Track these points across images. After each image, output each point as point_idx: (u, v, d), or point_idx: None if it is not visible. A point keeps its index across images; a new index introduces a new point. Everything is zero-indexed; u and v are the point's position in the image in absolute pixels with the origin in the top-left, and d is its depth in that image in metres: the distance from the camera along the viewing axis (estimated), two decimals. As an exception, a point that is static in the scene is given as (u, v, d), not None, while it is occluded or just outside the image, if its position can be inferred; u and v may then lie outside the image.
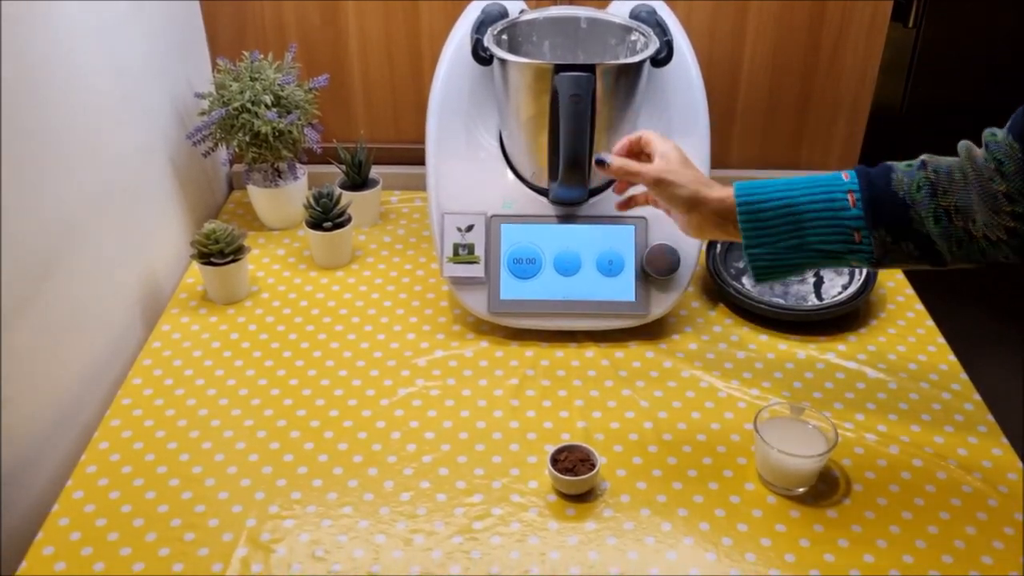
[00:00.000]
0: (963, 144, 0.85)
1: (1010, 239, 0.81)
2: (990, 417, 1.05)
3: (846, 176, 0.86)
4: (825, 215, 0.86)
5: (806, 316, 1.18)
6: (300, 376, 1.11)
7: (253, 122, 1.27)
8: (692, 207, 0.92)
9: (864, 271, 1.22)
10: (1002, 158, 0.80)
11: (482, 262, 1.15)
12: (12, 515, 0.91)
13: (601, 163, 0.96)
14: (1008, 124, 0.82)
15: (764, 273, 0.90)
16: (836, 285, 1.22)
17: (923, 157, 0.87)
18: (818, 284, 1.22)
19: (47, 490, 0.97)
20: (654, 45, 1.10)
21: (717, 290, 1.24)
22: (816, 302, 1.20)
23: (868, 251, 0.85)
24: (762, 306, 1.18)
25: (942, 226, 0.83)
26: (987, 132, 0.84)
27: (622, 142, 0.99)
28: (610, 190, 1.17)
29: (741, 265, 1.26)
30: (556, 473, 0.94)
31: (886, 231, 0.84)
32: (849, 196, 0.85)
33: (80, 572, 0.87)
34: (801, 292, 1.21)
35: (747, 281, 1.23)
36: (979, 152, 0.83)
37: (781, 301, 1.20)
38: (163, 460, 0.99)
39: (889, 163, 0.87)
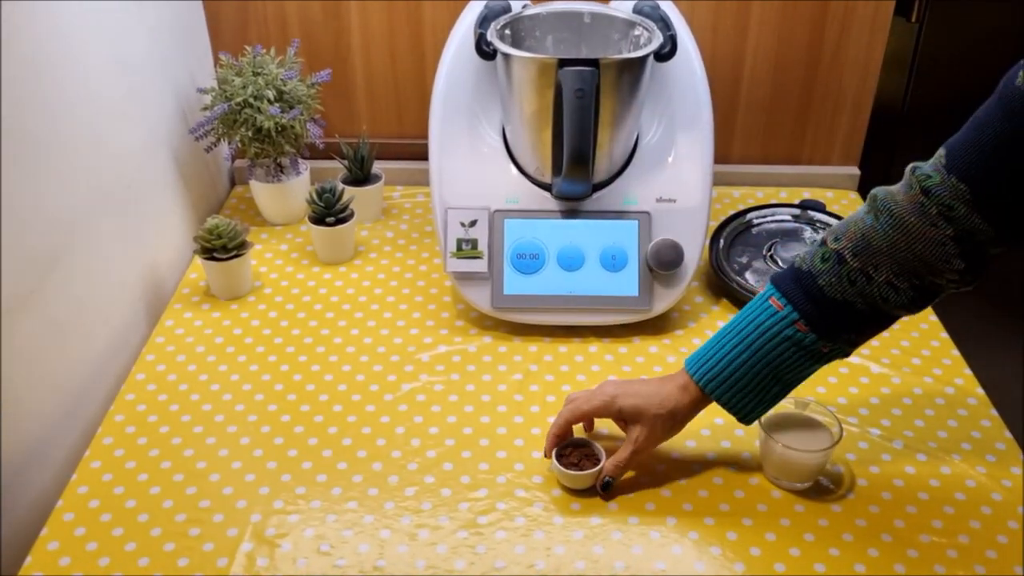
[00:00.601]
0: (883, 201, 0.82)
1: (958, 262, 0.79)
2: (994, 412, 1.05)
3: (779, 306, 0.85)
4: (791, 352, 0.86)
5: None
6: (303, 371, 1.11)
7: (256, 117, 1.27)
8: (674, 426, 0.94)
9: None
10: (949, 202, 0.77)
11: (485, 257, 1.15)
12: (16, 510, 0.92)
13: (607, 487, 0.94)
14: (943, 164, 0.78)
15: (752, 420, 0.92)
16: None
17: (826, 238, 0.85)
18: None
19: (51, 485, 0.97)
20: (657, 40, 1.10)
21: (721, 285, 1.24)
22: None
23: (840, 352, 0.87)
24: None
25: (891, 298, 0.82)
26: (918, 175, 0.79)
27: (553, 440, 0.96)
28: (613, 185, 1.17)
29: (744, 260, 1.26)
30: (561, 468, 0.94)
31: (842, 333, 0.85)
32: (798, 326, 0.85)
33: (85, 567, 0.87)
34: None
35: (750, 276, 1.23)
36: (903, 203, 0.80)
37: None
38: (167, 455, 0.99)
39: (807, 267, 0.85)
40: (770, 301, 0.87)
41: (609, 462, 0.94)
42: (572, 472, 0.93)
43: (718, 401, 0.90)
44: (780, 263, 1.24)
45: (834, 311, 0.84)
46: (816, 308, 0.84)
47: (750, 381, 0.88)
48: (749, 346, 0.87)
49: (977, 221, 0.77)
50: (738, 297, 1.21)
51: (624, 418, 0.95)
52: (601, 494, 0.94)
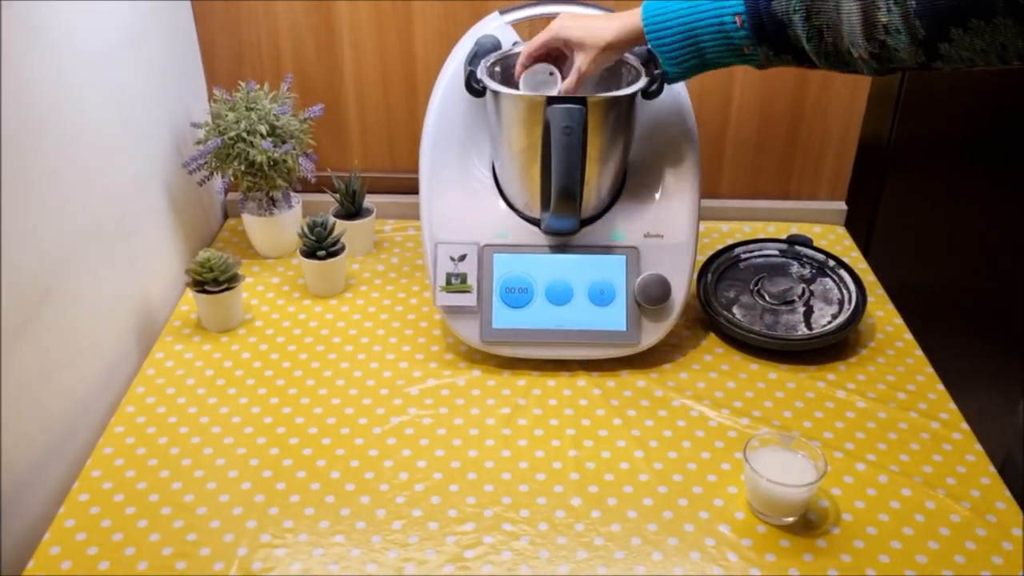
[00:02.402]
0: None
1: (872, 60, 0.88)
2: (978, 447, 1.06)
3: (738, 21, 0.96)
4: (719, 37, 0.97)
5: (796, 345, 1.19)
6: (293, 404, 1.12)
7: (248, 151, 1.28)
8: (610, 56, 1.07)
9: (853, 302, 1.23)
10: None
11: (475, 291, 1.16)
12: (3, 542, 0.91)
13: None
14: None
15: (675, 80, 1.05)
16: (826, 315, 1.23)
17: None
18: (808, 314, 1.24)
19: (40, 517, 0.97)
20: (645, 78, 1.12)
21: (708, 319, 1.25)
22: (806, 332, 1.21)
23: (755, 60, 0.98)
24: (752, 335, 1.19)
25: (813, 44, 0.91)
26: None
27: (531, 51, 1.09)
28: (601, 220, 1.18)
29: (732, 295, 1.27)
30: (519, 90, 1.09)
31: (768, 46, 0.95)
32: (737, 19, 0.95)
33: (71, 601, 0.87)
34: (791, 322, 1.23)
35: (738, 311, 1.24)
36: None
37: (771, 331, 1.21)
38: (155, 488, 0.99)
39: None
40: (734, 19, 0.96)
41: (562, 85, 1.07)
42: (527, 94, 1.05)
43: (650, 44, 1.01)
44: (767, 298, 1.25)
45: (769, 22, 0.93)
46: (758, 12, 0.93)
47: (680, 43, 0.99)
48: (694, 13, 0.98)
49: (908, 23, 0.83)
50: (725, 331, 1.22)
51: (570, 47, 1.06)
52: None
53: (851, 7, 0.86)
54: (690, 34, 0.98)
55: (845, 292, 1.26)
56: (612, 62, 1.09)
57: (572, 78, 1.06)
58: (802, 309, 1.25)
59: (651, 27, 1.00)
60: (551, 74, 1.10)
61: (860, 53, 0.88)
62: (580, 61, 1.05)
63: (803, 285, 1.28)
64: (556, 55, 1.11)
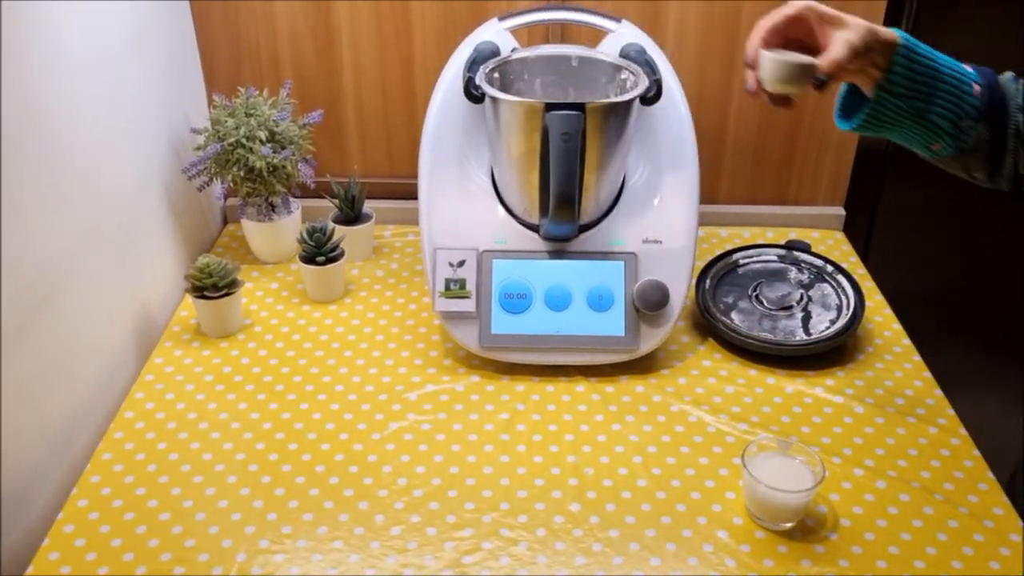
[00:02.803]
0: None
1: None
2: (976, 452, 1.06)
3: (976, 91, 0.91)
4: (954, 92, 0.90)
5: (794, 351, 1.20)
6: (292, 410, 1.12)
7: (248, 157, 1.28)
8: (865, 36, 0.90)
9: (851, 307, 1.23)
10: None
11: (473, 297, 1.16)
12: (4, 547, 0.92)
13: (823, 85, 0.91)
14: None
15: (872, 122, 0.93)
16: (824, 320, 1.23)
17: None
18: (806, 319, 1.24)
19: (38, 523, 0.97)
20: (643, 84, 1.12)
21: (706, 325, 1.25)
22: (804, 337, 1.21)
23: (967, 139, 0.91)
24: (751, 341, 1.20)
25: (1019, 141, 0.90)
26: None
27: (761, 32, 0.93)
28: (600, 226, 1.18)
29: (730, 300, 1.27)
30: (771, 54, 0.88)
31: (985, 126, 0.91)
32: (974, 85, 0.91)
33: (70, 607, 0.87)
34: (789, 327, 1.23)
35: (736, 316, 1.25)
36: None
37: (770, 336, 1.21)
38: (154, 494, 0.99)
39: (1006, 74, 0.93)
40: (968, 67, 0.92)
41: (824, 58, 0.89)
42: (783, 58, 0.87)
43: (897, 55, 0.89)
44: (765, 303, 1.26)
45: (999, 102, 0.91)
46: (992, 89, 0.91)
47: (922, 72, 0.90)
48: (942, 61, 0.91)
49: None
50: (724, 337, 1.22)
51: (827, 21, 0.90)
52: (817, 90, 0.90)
53: None
54: (934, 74, 0.90)
55: (843, 298, 1.26)
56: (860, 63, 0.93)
57: (841, 49, 0.89)
58: (800, 315, 1.25)
59: (907, 46, 0.90)
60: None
61: None
62: (848, 34, 0.89)
63: (801, 290, 1.28)
64: (796, 35, 0.94)
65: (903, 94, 0.91)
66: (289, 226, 1.39)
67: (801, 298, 1.27)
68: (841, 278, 1.29)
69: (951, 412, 1.12)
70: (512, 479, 1.02)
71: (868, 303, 1.29)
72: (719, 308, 1.26)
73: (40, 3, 0.97)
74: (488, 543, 0.94)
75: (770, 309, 1.25)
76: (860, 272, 1.41)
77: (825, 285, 1.29)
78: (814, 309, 1.25)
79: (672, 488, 1.01)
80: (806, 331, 1.22)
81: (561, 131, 1.05)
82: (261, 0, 1.38)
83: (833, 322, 1.23)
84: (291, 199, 1.42)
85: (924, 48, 0.92)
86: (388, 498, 0.99)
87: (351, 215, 1.40)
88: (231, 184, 1.32)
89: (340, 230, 1.34)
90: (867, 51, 0.89)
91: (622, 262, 1.17)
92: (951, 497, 1.00)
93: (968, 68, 0.92)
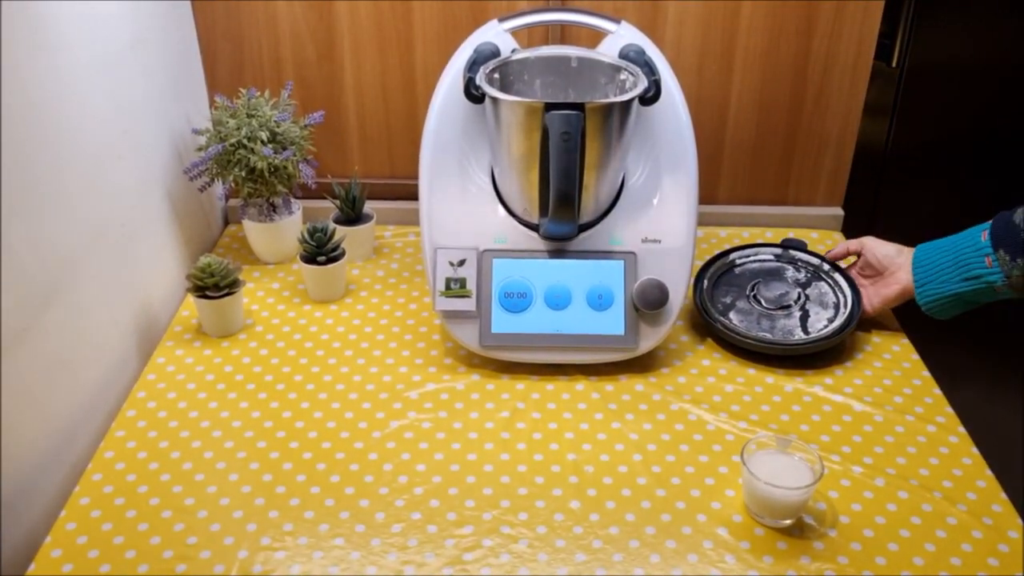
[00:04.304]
0: None
1: None
2: (974, 449, 1.06)
3: (984, 236, 1.12)
4: (967, 252, 1.14)
5: (792, 350, 1.20)
6: (293, 408, 1.12)
7: (249, 158, 1.29)
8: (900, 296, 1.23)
9: (848, 306, 1.24)
10: None
11: (474, 296, 1.17)
12: (5, 546, 0.92)
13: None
14: None
15: (933, 310, 1.19)
16: (822, 319, 1.24)
17: None
18: (804, 318, 1.24)
19: (41, 521, 0.98)
20: (643, 84, 1.13)
21: (705, 325, 1.26)
22: (802, 336, 1.22)
23: (997, 271, 1.10)
24: (749, 340, 1.20)
25: None
26: None
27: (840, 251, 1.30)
28: (599, 225, 1.19)
29: (728, 300, 1.28)
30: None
31: (1004, 251, 1.08)
32: (988, 259, 1.11)
33: (72, 603, 0.87)
34: (787, 326, 1.23)
35: (734, 316, 1.25)
36: None
37: (768, 335, 1.22)
38: (156, 492, 1.00)
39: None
40: (985, 260, 1.11)
41: (866, 307, 1.25)
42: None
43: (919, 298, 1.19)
44: (763, 303, 1.26)
45: (1009, 231, 1.09)
46: (998, 226, 1.11)
47: (940, 264, 1.17)
48: (958, 280, 1.15)
49: None
50: (722, 336, 1.22)
51: (874, 266, 1.25)
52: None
53: None
54: (954, 298, 1.15)
55: (840, 296, 1.27)
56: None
57: (878, 303, 1.24)
58: (798, 313, 1.25)
59: (923, 297, 1.18)
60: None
61: None
62: (887, 292, 1.23)
63: (799, 289, 1.28)
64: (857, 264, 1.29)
65: (933, 292, 1.17)
66: (290, 226, 1.40)
67: (799, 297, 1.27)
68: (837, 276, 1.29)
69: (949, 410, 1.13)
70: (512, 477, 1.02)
71: (867, 302, 1.29)
72: (717, 308, 1.26)
73: (42, 5, 0.98)
74: (488, 540, 0.94)
75: (768, 308, 1.26)
76: (859, 272, 1.41)
77: (822, 284, 1.30)
78: (812, 308, 1.26)
79: (672, 485, 1.01)
80: (804, 330, 1.23)
81: (561, 131, 1.06)
82: (263, 1, 1.39)
83: (831, 320, 1.23)
84: (292, 200, 1.42)
85: (934, 247, 1.19)
86: (389, 496, 1.00)
87: (352, 215, 1.41)
88: (232, 185, 1.33)
89: (341, 230, 1.35)
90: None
91: (622, 261, 1.18)
92: (950, 494, 1.00)
93: (981, 237, 1.12)
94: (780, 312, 1.25)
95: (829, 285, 1.29)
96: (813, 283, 1.30)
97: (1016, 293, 1.10)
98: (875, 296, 1.24)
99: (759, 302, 1.27)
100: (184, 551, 0.92)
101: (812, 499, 0.98)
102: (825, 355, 1.21)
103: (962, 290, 1.14)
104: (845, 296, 1.26)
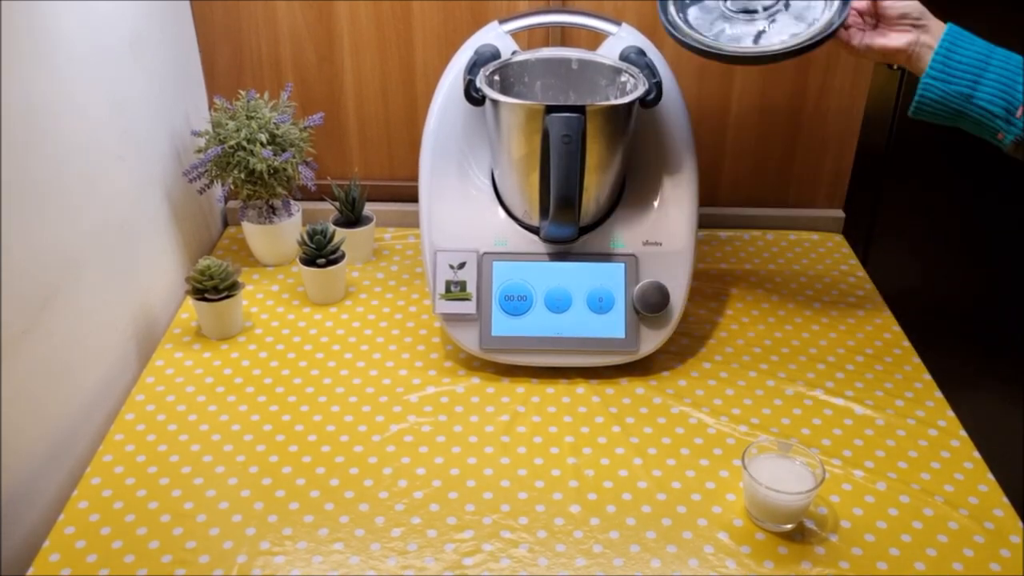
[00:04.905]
0: None
1: None
2: (976, 454, 1.06)
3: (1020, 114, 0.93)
4: (1005, 79, 0.94)
5: (726, 58, 1.07)
6: (293, 412, 1.12)
7: (248, 160, 1.29)
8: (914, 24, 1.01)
9: (821, 25, 1.07)
10: None
11: (474, 299, 1.16)
12: (3, 549, 0.92)
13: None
14: None
15: (924, 108, 1.00)
16: (784, 33, 1.07)
17: None
18: (763, 33, 1.09)
19: (39, 524, 0.97)
20: (643, 86, 1.12)
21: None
22: (746, 47, 1.07)
23: (1019, 130, 0.93)
24: (679, 38, 1.08)
25: None
26: None
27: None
28: (600, 228, 1.19)
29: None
30: None
31: None
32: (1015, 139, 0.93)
33: (70, 608, 0.87)
34: (739, 35, 1.09)
35: (694, 12, 1.11)
36: None
37: (703, 38, 1.08)
38: (155, 496, 0.99)
39: None
40: (1018, 110, 0.93)
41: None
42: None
43: (942, 42, 0.97)
44: (730, 4, 1.11)
45: None
46: None
47: (966, 58, 0.96)
48: (994, 51, 0.96)
49: None
50: (668, 33, 1.09)
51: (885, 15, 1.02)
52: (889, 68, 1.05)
53: None
54: (982, 62, 0.96)
55: (827, 15, 1.06)
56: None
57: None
58: (763, 24, 1.09)
59: (953, 34, 0.97)
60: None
61: None
62: (889, 42, 1.01)
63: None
64: None
65: (945, 79, 0.97)
66: (290, 228, 1.40)
67: (774, 4, 1.10)
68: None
69: (951, 414, 1.12)
70: (512, 481, 1.02)
71: (868, 305, 1.29)
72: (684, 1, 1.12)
73: (41, 6, 0.97)
74: (489, 545, 0.94)
75: (732, 11, 1.10)
76: (859, 274, 1.41)
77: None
78: (782, 19, 1.09)
79: (672, 490, 1.01)
80: (755, 40, 1.07)
81: (561, 133, 1.05)
82: (262, 2, 1.39)
83: (795, 36, 1.06)
84: (292, 202, 1.42)
85: (971, 39, 0.96)
86: (388, 500, 0.99)
87: (351, 218, 1.40)
88: (232, 187, 1.32)
89: (340, 232, 1.34)
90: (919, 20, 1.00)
91: (622, 264, 1.17)
92: (951, 499, 1.00)
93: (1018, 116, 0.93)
94: (743, 16, 1.09)
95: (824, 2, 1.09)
96: None
97: (1012, 152, 0.97)
98: (873, 37, 1.03)
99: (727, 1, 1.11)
100: (183, 555, 0.92)
101: (813, 504, 0.97)
102: (824, 356, 1.21)
103: (969, 111, 0.97)
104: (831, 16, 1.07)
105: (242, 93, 1.34)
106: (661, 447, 1.07)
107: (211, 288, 1.21)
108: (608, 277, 1.17)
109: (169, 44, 1.33)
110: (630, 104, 1.11)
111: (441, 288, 1.17)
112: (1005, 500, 1.00)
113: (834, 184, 1.52)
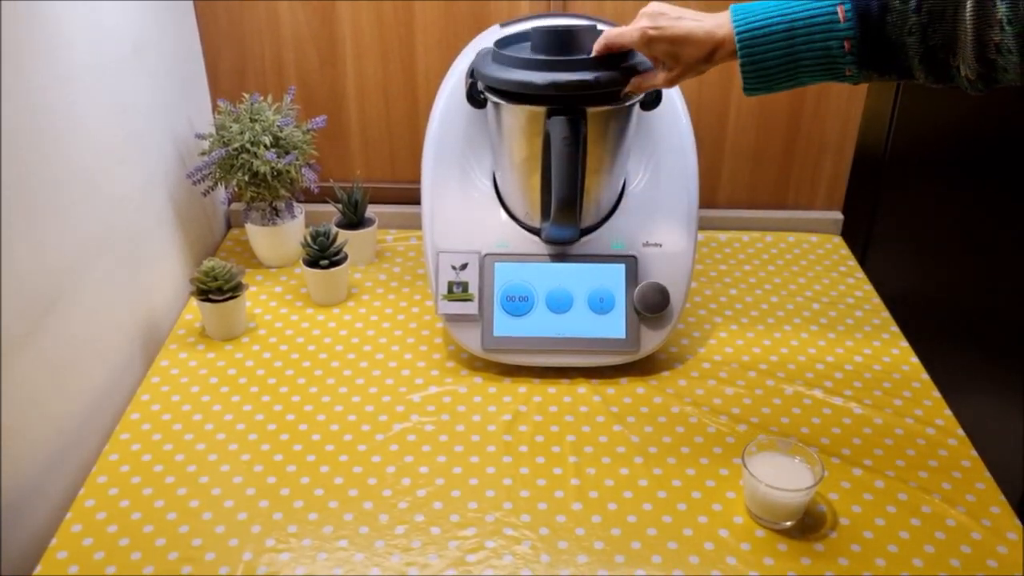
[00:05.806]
0: None
1: (978, 80, 0.83)
2: (973, 452, 1.07)
3: (843, 18, 0.86)
4: (821, 60, 0.88)
5: None
6: (296, 411, 1.13)
7: (252, 162, 1.30)
8: (684, 57, 0.96)
9: None
10: (1009, 15, 0.78)
11: (476, 300, 1.17)
12: (10, 549, 0.93)
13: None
14: None
15: (753, 92, 0.94)
16: None
17: None
18: None
19: (46, 523, 0.98)
20: (643, 89, 1.13)
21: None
22: None
23: (852, 80, 0.89)
24: None
25: (924, 64, 0.85)
26: None
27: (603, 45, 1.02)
28: (601, 230, 1.20)
29: None
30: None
31: (873, 69, 0.87)
32: (846, 44, 0.86)
33: (78, 605, 0.88)
34: None
35: None
36: None
37: None
38: (161, 494, 1.00)
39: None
40: (837, 8, 0.86)
41: (637, 80, 1.02)
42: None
43: (742, 59, 0.90)
44: None
45: (881, 46, 0.85)
46: (868, 34, 0.85)
47: (774, 61, 0.89)
48: (791, 31, 0.88)
49: (1020, 42, 0.78)
50: None
51: (660, 59, 0.98)
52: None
53: (966, 27, 0.80)
54: (789, 55, 0.89)
55: None
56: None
57: (656, 80, 1.01)
58: None
59: (745, 41, 0.90)
60: None
61: (967, 72, 0.83)
62: (673, 76, 0.98)
63: None
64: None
65: (765, 79, 0.91)
66: (293, 230, 1.41)
67: None
68: None
69: (948, 413, 1.13)
70: (515, 479, 1.03)
71: (866, 306, 1.30)
72: None
73: (44, 8, 0.98)
74: (491, 542, 0.95)
75: None
76: (858, 276, 1.42)
77: None
78: None
79: (673, 488, 1.02)
80: None
81: (563, 135, 1.06)
82: (265, 2, 1.40)
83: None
84: (295, 204, 1.43)
85: (768, 26, 0.89)
86: (392, 498, 1.00)
87: (354, 219, 1.41)
88: (235, 189, 1.33)
89: (343, 234, 1.35)
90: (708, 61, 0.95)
91: (623, 265, 1.18)
92: (949, 496, 1.01)
93: (839, 17, 0.86)
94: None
95: None
96: None
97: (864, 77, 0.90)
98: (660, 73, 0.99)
99: None
100: (189, 553, 0.93)
101: (812, 501, 0.98)
102: (823, 357, 1.22)
103: (804, 84, 0.92)
104: None
105: (246, 96, 1.35)
106: (661, 446, 1.08)
107: (215, 289, 1.22)
108: (609, 278, 1.18)
109: (173, 48, 1.34)
110: (631, 106, 1.12)
111: (443, 289, 1.18)
112: (1002, 498, 1.01)
113: (833, 186, 1.54)
